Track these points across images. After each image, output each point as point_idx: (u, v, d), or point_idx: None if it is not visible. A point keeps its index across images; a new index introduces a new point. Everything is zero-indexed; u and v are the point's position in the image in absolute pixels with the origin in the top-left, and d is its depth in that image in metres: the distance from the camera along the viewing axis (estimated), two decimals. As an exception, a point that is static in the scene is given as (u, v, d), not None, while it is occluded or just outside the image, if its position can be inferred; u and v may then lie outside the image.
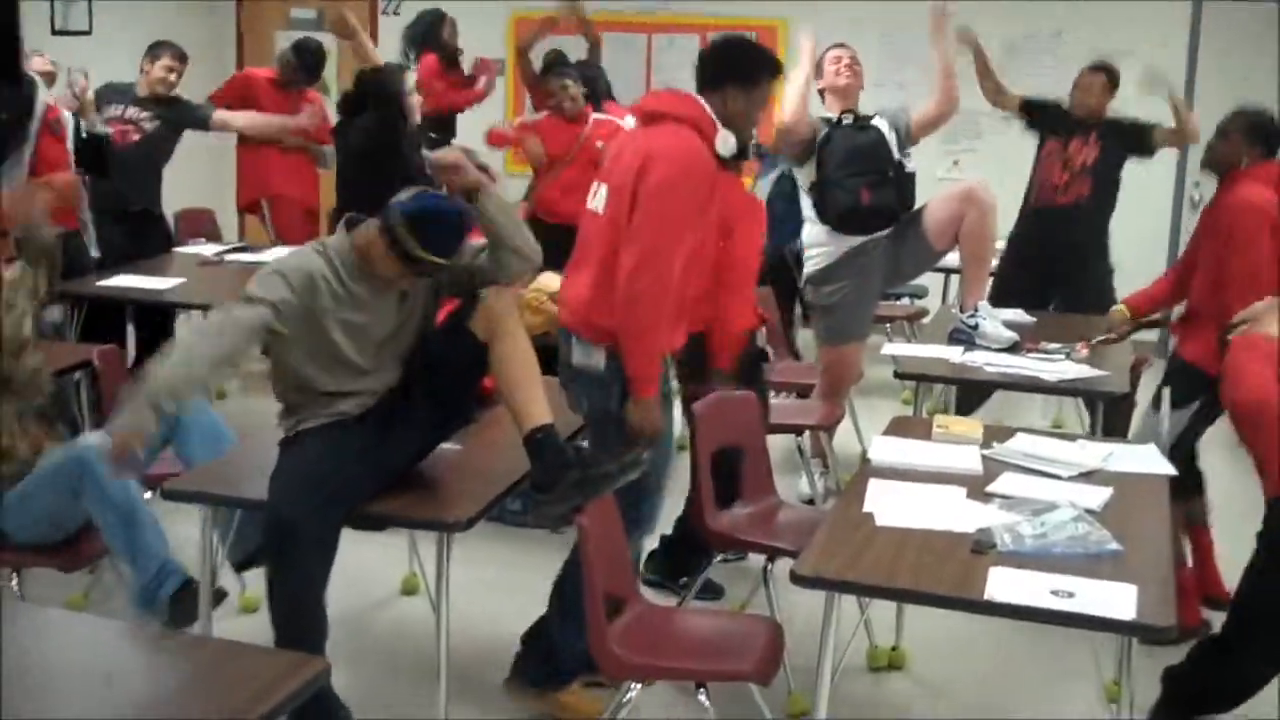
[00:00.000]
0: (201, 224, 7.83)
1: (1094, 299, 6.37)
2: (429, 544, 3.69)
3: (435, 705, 3.58)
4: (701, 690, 3.38)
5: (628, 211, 3.69)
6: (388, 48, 8.78)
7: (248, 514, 3.85)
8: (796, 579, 3.04)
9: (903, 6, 8.83)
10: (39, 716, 2.24)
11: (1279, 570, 3.52)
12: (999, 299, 5.65)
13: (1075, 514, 3.31)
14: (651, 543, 4.62)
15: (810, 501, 5.55)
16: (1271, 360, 3.49)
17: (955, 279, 6.85)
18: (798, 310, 7.07)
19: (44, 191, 4.29)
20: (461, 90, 8.19)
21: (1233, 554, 4.67)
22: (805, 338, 7.46)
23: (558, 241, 5.09)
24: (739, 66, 3.85)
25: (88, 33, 8.62)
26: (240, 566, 4.01)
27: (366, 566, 4.71)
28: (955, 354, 5.09)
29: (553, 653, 3.89)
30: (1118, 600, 2.89)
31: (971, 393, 5.68)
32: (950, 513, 3.38)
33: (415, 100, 6.54)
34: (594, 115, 6.96)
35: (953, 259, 5.66)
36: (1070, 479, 3.69)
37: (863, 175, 5.40)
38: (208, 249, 6.94)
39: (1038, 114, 6.63)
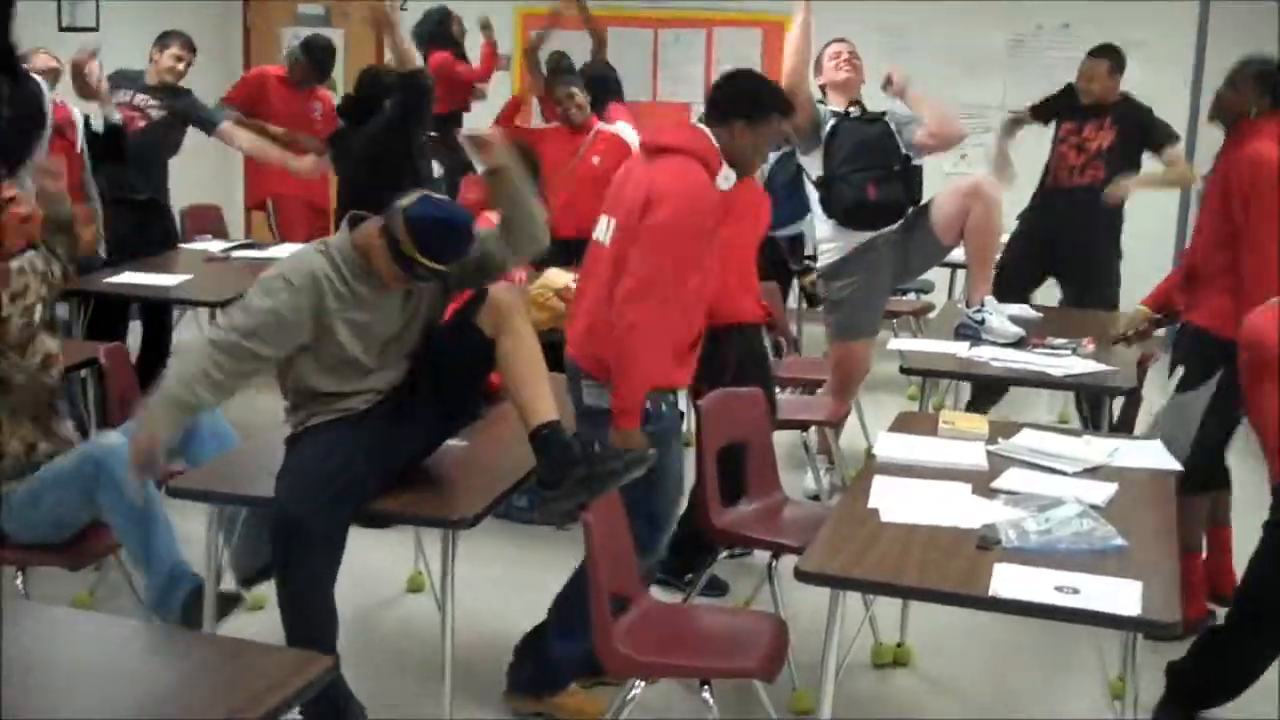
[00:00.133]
0: (208, 220, 7.84)
1: (1099, 283, 6.39)
2: (435, 541, 3.69)
3: (440, 703, 3.58)
4: (706, 687, 3.38)
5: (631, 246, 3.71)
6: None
7: (249, 527, 3.84)
8: (801, 575, 3.04)
9: (904, 6, 8.84)
10: (44, 715, 2.24)
11: None
12: (1002, 277, 5.62)
13: (1080, 510, 3.30)
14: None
15: (815, 497, 5.56)
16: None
17: (962, 274, 6.84)
18: (790, 303, 7.08)
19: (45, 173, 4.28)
20: (467, 77, 8.21)
21: (1245, 553, 4.69)
22: (809, 333, 7.48)
23: (558, 257, 5.13)
24: (748, 103, 3.83)
25: (95, 29, 8.62)
26: (245, 583, 3.98)
27: (372, 564, 4.71)
28: (961, 349, 5.08)
29: (548, 661, 3.89)
30: (1123, 596, 2.88)
31: (985, 392, 5.67)
32: (955, 509, 3.38)
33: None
34: (597, 125, 6.92)
35: (959, 254, 5.65)
36: (1075, 475, 3.69)
37: (869, 170, 5.39)
38: (214, 245, 6.95)
39: (1047, 108, 6.60)
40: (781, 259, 7.13)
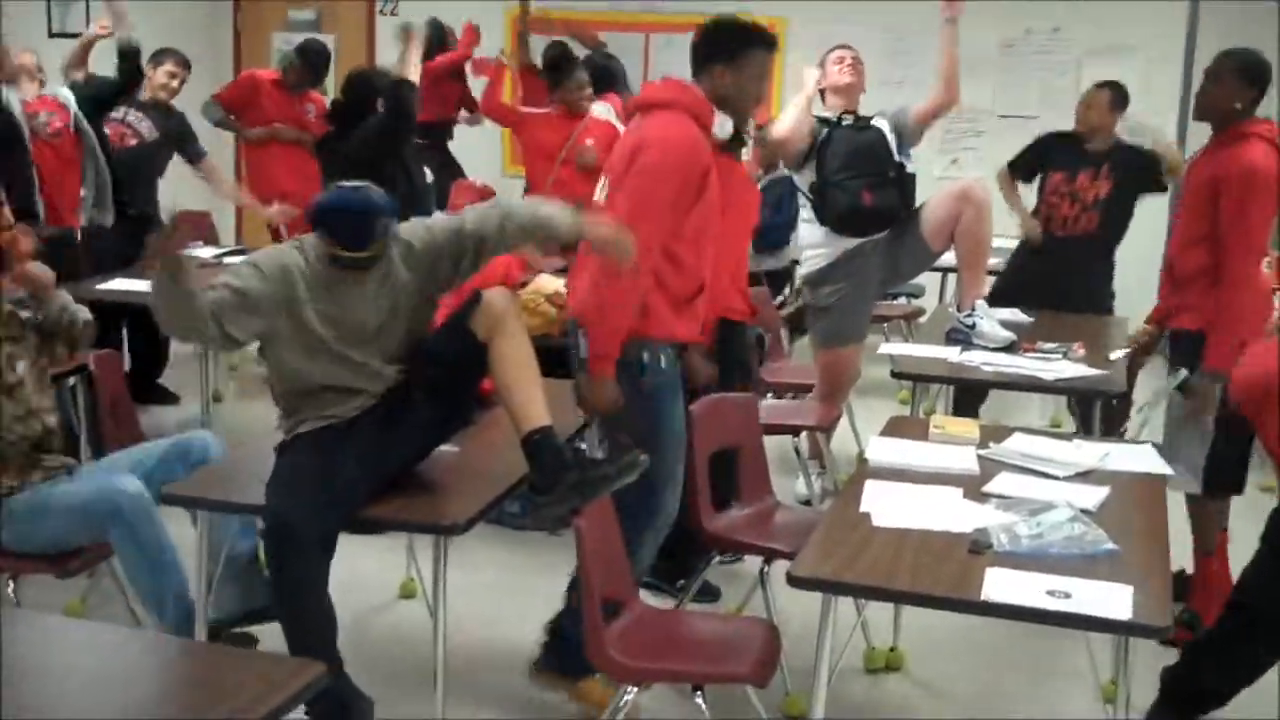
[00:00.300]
0: (199, 227, 7.82)
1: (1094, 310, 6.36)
2: (427, 547, 3.69)
3: (433, 708, 3.57)
4: (698, 693, 3.38)
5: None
6: (385, 48, 8.81)
7: (225, 573, 3.83)
8: (793, 581, 3.04)
9: (904, 6, 8.85)
10: (38, 722, 2.25)
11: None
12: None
13: (1072, 514, 3.30)
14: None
15: (807, 502, 5.56)
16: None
17: (952, 278, 6.85)
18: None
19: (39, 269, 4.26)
20: (461, 92, 8.25)
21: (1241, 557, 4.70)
22: (799, 340, 7.48)
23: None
24: (721, 44, 3.84)
25: (85, 35, 8.60)
26: (215, 628, 3.94)
27: (365, 570, 4.71)
28: (952, 354, 5.09)
29: (569, 644, 3.88)
30: (1114, 600, 2.89)
31: (967, 394, 5.66)
32: (947, 513, 3.38)
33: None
34: (592, 111, 6.96)
35: (949, 258, 5.65)
36: (1067, 479, 3.69)
37: (863, 176, 5.38)
38: (205, 252, 6.94)
39: (1032, 161, 6.33)
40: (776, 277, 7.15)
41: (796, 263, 6.23)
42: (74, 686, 2.38)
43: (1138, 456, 3.95)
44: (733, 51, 3.82)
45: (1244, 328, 4.39)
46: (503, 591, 4.86)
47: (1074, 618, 2.90)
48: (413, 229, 3.73)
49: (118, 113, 6.70)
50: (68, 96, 6.33)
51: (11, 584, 4.02)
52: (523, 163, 7.59)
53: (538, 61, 8.48)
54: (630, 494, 3.71)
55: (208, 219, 8.05)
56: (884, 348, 5.53)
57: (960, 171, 8.48)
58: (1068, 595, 2.91)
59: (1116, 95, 6.16)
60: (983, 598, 2.93)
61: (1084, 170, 6.07)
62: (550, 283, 5.40)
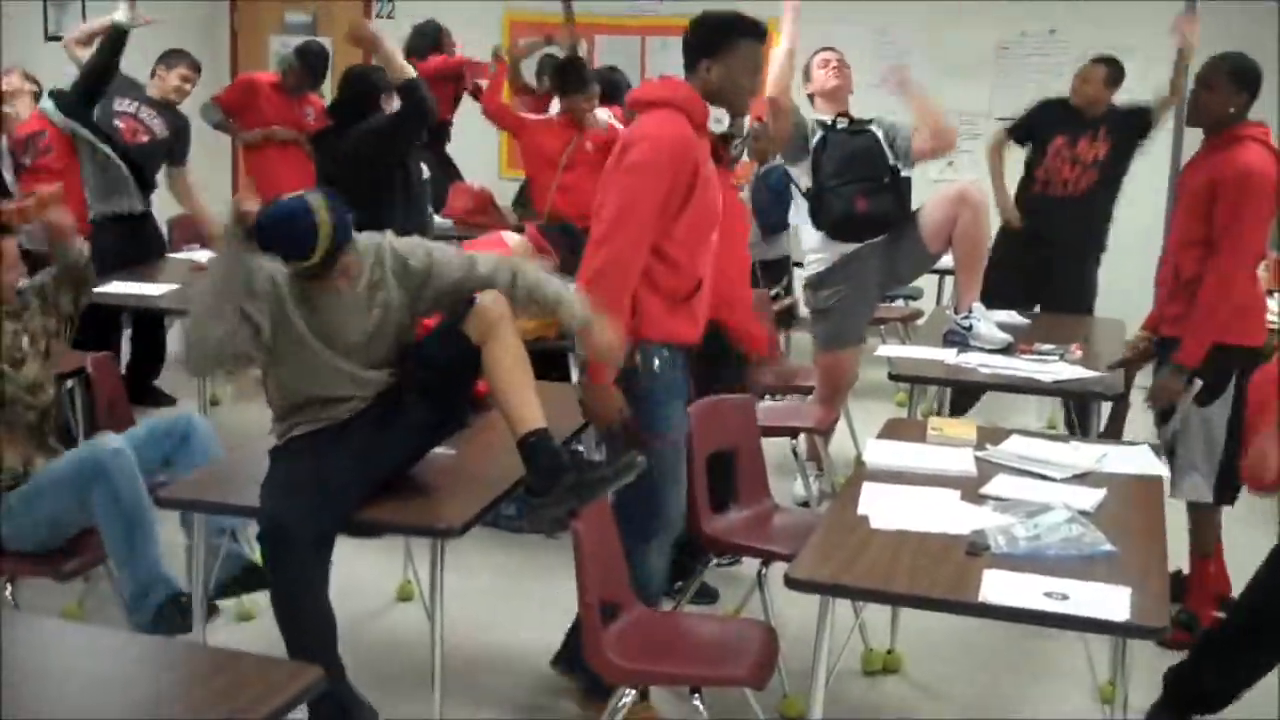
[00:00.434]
0: (197, 230, 7.82)
1: (1080, 291, 6.41)
2: (424, 550, 3.69)
3: (430, 710, 3.57)
4: (696, 695, 3.38)
5: None
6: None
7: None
8: (791, 583, 3.04)
9: (898, 7, 8.85)
10: (35, 724, 2.25)
11: None
12: (989, 284, 5.61)
13: (1069, 516, 3.31)
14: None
15: (805, 504, 5.56)
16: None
17: (950, 280, 6.86)
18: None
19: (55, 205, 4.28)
20: (457, 94, 8.24)
21: (1236, 560, 4.70)
22: (797, 341, 7.48)
23: (566, 242, 5.13)
24: (707, 38, 3.79)
25: (82, 39, 8.60)
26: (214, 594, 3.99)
27: (361, 573, 4.71)
28: (950, 356, 5.09)
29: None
30: (1111, 602, 2.89)
31: (963, 395, 5.67)
32: (945, 515, 3.38)
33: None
34: (595, 119, 6.96)
35: (947, 261, 5.65)
36: (1064, 481, 3.69)
37: (858, 182, 5.37)
38: (202, 255, 6.94)
39: (1028, 125, 6.58)
40: (756, 282, 7.15)
41: (798, 264, 6.22)
42: (72, 689, 2.38)
43: (1135, 458, 3.96)
44: (719, 44, 3.76)
45: (1220, 329, 4.43)
46: (500, 594, 4.86)
47: (1072, 619, 2.91)
48: (412, 248, 3.70)
49: (131, 107, 6.71)
50: (46, 108, 6.33)
51: (9, 587, 4.03)
52: (523, 167, 7.57)
53: (530, 81, 8.52)
54: (631, 502, 3.72)
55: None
56: (881, 350, 5.53)
57: (956, 174, 8.45)
58: (1065, 597, 2.91)
59: (1112, 70, 6.40)
60: (980, 599, 2.93)
61: (1084, 135, 6.37)
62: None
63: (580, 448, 4.50)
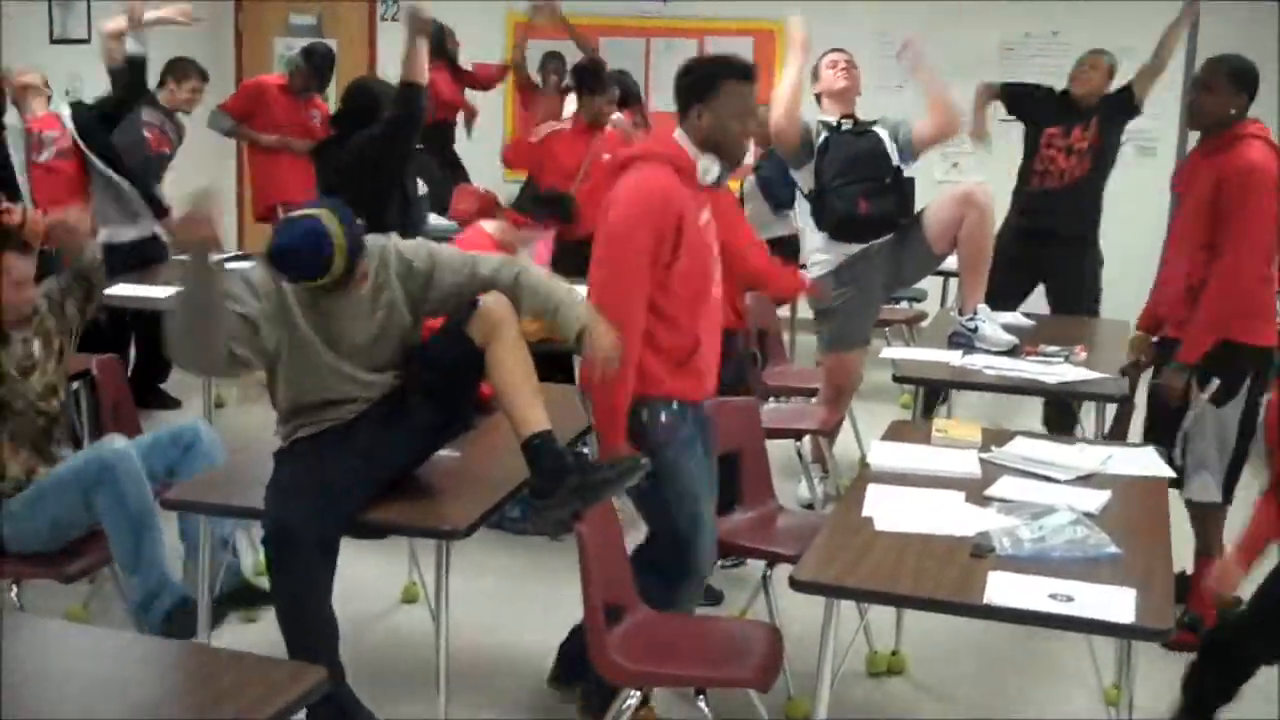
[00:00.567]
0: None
1: (1081, 291, 6.42)
2: (429, 552, 3.69)
3: (435, 712, 3.57)
4: (701, 697, 3.38)
5: None
6: (387, 53, 8.81)
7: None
8: (796, 585, 3.04)
9: (900, 8, 8.85)
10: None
11: None
12: (992, 282, 5.61)
13: (1074, 517, 3.31)
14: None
15: (810, 506, 5.56)
16: None
17: (954, 282, 6.85)
18: (782, 311, 7.09)
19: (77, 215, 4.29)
20: (462, 92, 8.26)
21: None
22: (802, 343, 7.49)
23: (544, 206, 5.12)
24: (693, 85, 3.71)
25: (86, 41, 8.62)
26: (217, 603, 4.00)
27: (367, 575, 4.71)
28: (955, 357, 5.09)
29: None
30: (1116, 604, 2.89)
31: (933, 392, 5.60)
32: (949, 517, 3.38)
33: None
34: (610, 123, 6.95)
35: (951, 262, 5.65)
36: (1069, 482, 3.69)
37: (860, 183, 5.36)
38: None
39: (1025, 102, 6.64)
40: None
41: (803, 266, 6.22)
42: (75, 691, 2.38)
43: (1139, 460, 3.95)
44: (705, 89, 3.68)
45: (1223, 325, 4.44)
46: (504, 596, 4.87)
47: (1076, 621, 2.91)
48: (415, 250, 3.71)
49: (157, 119, 6.82)
50: (63, 115, 6.36)
51: (14, 588, 4.03)
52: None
53: (535, 77, 8.52)
54: (660, 554, 3.74)
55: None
56: (886, 352, 5.53)
57: (961, 175, 8.48)
58: (1070, 599, 2.91)
59: (1111, 64, 6.48)
60: (985, 601, 2.93)
61: (1077, 124, 6.41)
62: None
63: (585, 450, 4.50)
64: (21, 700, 2.31)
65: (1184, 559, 4.44)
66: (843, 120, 5.47)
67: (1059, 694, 4.31)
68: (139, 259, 6.56)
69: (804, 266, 5.70)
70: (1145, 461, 3.94)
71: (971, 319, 5.26)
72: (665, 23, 9.46)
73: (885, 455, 3.89)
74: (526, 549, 5.24)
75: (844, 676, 4.07)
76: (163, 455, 4.12)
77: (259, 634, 4.21)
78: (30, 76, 6.44)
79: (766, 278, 4.98)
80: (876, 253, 5.46)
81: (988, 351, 5.12)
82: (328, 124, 7.28)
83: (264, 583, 3.96)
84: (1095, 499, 3.53)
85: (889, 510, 3.42)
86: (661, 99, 9.56)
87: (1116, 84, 6.51)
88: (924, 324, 7.29)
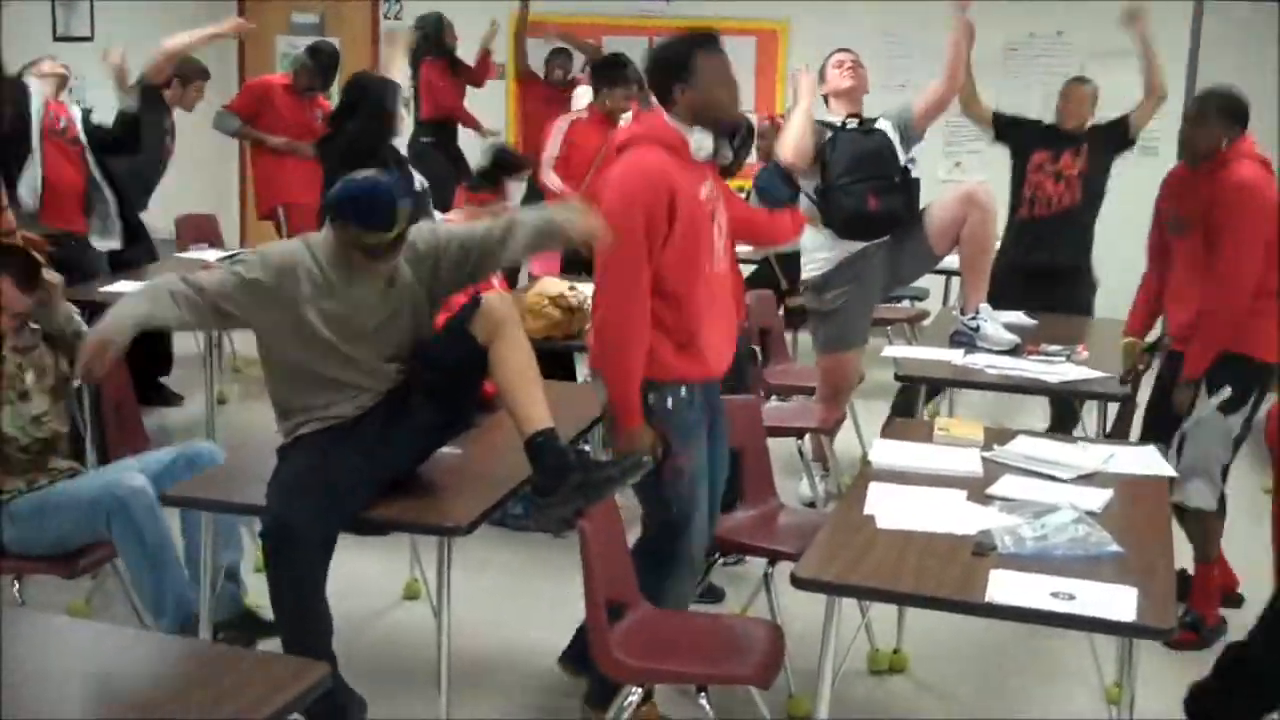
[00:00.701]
0: (204, 229, 7.85)
1: (1077, 306, 6.39)
2: (430, 549, 3.69)
3: (436, 709, 3.57)
4: (702, 694, 3.38)
5: None
6: (390, 51, 8.79)
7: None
8: (797, 582, 3.04)
9: (903, 8, 8.85)
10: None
11: None
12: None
13: (1076, 516, 3.30)
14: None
15: (811, 504, 5.56)
16: None
17: (956, 281, 6.85)
18: (780, 311, 7.09)
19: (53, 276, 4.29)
20: (462, 87, 8.28)
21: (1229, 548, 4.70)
22: (803, 341, 7.48)
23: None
24: (668, 66, 3.73)
25: (89, 38, 8.63)
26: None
27: (368, 571, 4.72)
28: (956, 356, 5.09)
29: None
30: (1118, 602, 2.89)
31: (911, 395, 5.57)
32: (951, 515, 3.38)
33: (402, 114, 6.44)
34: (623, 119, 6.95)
35: (952, 261, 5.64)
36: (1071, 481, 3.69)
37: (869, 181, 5.36)
38: (210, 254, 6.96)
39: (1012, 129, 6.52)
40: (775, 277, 7.14)
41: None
42: (77, 687, 2.39)
43: (1141, 458, 3.95)
44: (680, 67, 3.70)
45: (1224, 338, 4.47)
46: (506, 593, 4.87)
47: (1078, 619, 2.91)
48: (418, 230, 3.73)
49: (169, 124, 6.93)
50: (76, 115, 6.37)
51: (16, 584, 4.03)
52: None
53: (535, 68, 8.53)
54: (652, 538, 3.74)
55: (213, 221, 8.07)
56: (888, 350, 5.53)
57: (964, 174, 8.48)
58: (1072, 597, 2.90)
59: (1093, 90, 6.40)
60: (987, 600, 2.93)
61: (1065, 150, 6.31)
62: (554, 285, 5.40)
63: (587, 447, 4.50)
64: (22, 696, 2.31)
65: (1185, 558, 4.44)
66: (848, 119, 5.46)
67: (1061, 692, 4.31)
68: (116, 264, 6.58)
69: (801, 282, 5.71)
70: (1147, 460, 3.94)
71: (973, 318, 5.27)
72: (667, 22, 9.44)
73: (887, 453, 3.89)
74: (528, 546, 5.24)
75: (845, 674, 4.07)
76: (175, 480, 4.04)
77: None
78: (47, 65, 6.45)
79: (757, 223, 4.88)
80: (875, 252, 5.45)
81: (989, 350, 5.13)
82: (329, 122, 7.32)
83: (265, 581, 3.94)
84: (1097, 498, 3.53)
85: (891, 508, 3.41)
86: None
87: (1117, 84, 6.47)
88: (926, 323, 7.29)
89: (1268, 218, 4.45)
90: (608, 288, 3.62)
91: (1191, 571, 4.64)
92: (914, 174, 5.47)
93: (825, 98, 5.57)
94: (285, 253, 3.62)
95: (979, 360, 5.03)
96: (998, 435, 4.10)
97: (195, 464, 4.07)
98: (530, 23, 8.80)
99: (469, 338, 3.56)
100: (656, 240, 3.60)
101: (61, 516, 3.88)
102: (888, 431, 4.23)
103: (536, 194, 6.29)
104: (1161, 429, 4.62)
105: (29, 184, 5.87)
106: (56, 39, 8.45)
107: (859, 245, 5.44)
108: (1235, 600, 4.69)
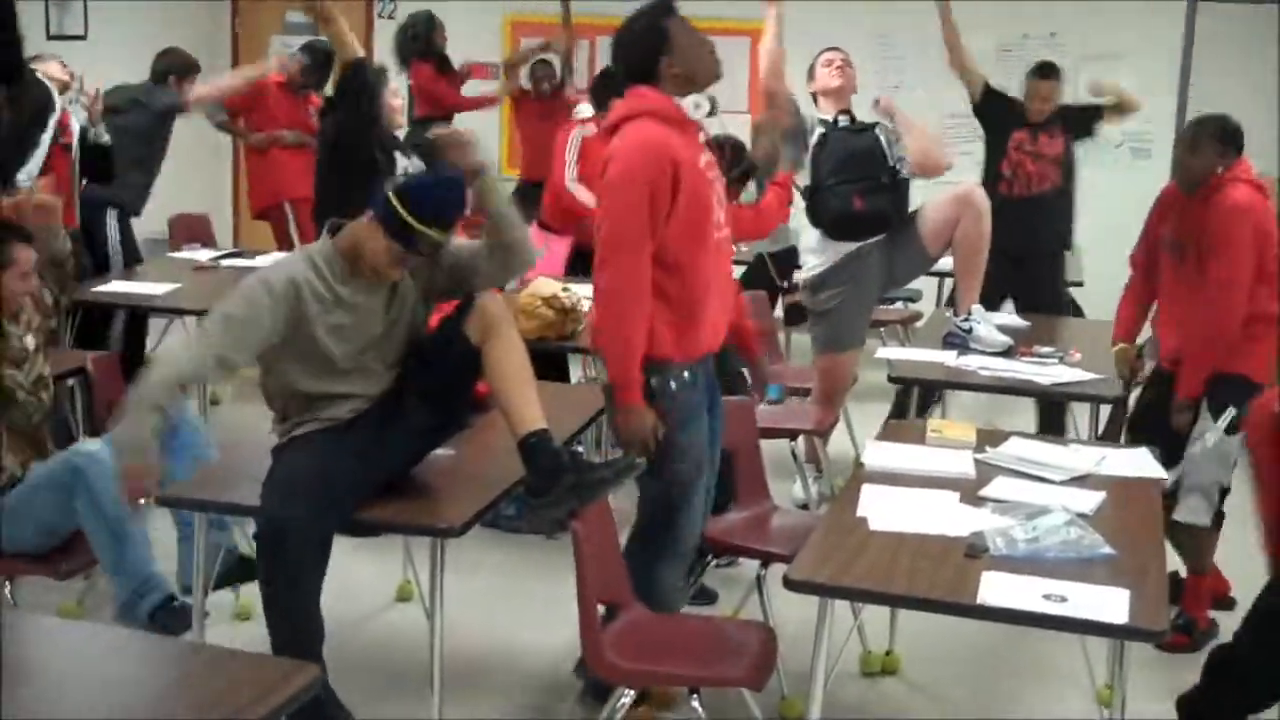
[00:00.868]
0: (197, 229, 7.84)
1: (1054, 290, 6.48)
2: (423, 550, 3.69)
3: (429, 711, 3.57)
4: (695, 696, 3.38)
5: None
6: (383, 51, 8.80)
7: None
8: (790, 584, 3.04)
9: (899, 8, 8.85)
10: (34, 722, 2.25)
11: None
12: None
13: (1068, 518, 3.31)
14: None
15: (804, 506, 5.56)
16: None
17: (950, 283, 6.85)
18: (777, 312, 7.09)
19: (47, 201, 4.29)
20: (464, 96, 8.27)
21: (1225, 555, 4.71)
22: (797, 342, 7.49)
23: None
24: (644, 45, 3.74)
25: (83, 38, 8.61)
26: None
27: (361, 573, 4.71)
28: (949, 358, 5.09)
29: None
30: (1110, 604, 2.89)
31: (904, 399, 5.58)
32: (943, 517, 3.38)
33: (398, 103, 6.41)
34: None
35: (946, 263, 5.65)
36: (1063, 483, 3.70)
37: (856, 181, 5.36)
38: (203, 254, 6.95)
39: (998, 106, 6.57)
40: (769, 275, 7.14)
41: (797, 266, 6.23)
42: (69, 688, 2.38)
43: (1133, 461, 3.96)
44: (659, 41, 3.71)
45: (1218, 358, 4.48)
46: (499, 594, 4.87)
47: (1070, 621, 2.91)
48: None
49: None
50: (76, 127, 6.36)
51: (8, 585, 4.03)
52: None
53: (526, 85, 8.53)
54: (646, 522, 3.74)
55: (206, 222, 8.06)
56: (881, 352, 5.53)
57: (957, 176, 8.47)
58: (1064, 599, 2.91)
59: (1058, 78, 6.48)
60: (979, 601, 2.93)
61: (1043, 131, 6.43)
62: (548, 285, 5.40)
63: (580, 448, 4.50)
64: (15, 697, 2.30)
65: (1177, 560, 4.45)
66: (839, 116, 5.46)
67: (1052, 694, 4.31)
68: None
69: (799, 267, 5.71)
70: (1139, 463, 3.95)
71: (966, 320, 5.27)
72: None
73: (880, 455, 3.89)
74: (521, 547, 5.24)
75: (838, 676, 4.08)
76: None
77: (253, 631, 4.20)
78: (56, 69, 6.44)
79: (742, 220, 4.86)
80: (870, 253, 5.44)
81: (982, 352, 5.13)
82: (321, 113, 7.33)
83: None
84: (1089, 500, 3.54)
85: (883, 510, 3.42)
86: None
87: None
88: (919, 324, 7.30)
89: (1259, 240, 4.47)
90: (609, 258, 3.60)
91: (1184, 574, 4.65)
92: (903, 174, 5.46)
93: (814, 96, 5.57)
94: (287, 279, 3.53)
95: (972, 362, 5.03)
96: (990, 437, 4.10)
97: (178, 433, 4.07)
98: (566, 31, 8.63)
99: (463, 338, 3.56)
100: (660, 214, 3.59)
101: (37, 500, 3.89)
102: (880, 433, 4.23)
103: (530, 203, 6.25)
104: (1148, 427, 4.62)
105: (28, 174, 5.86)
106: (50, 38, 8.42)
107: (853, 246, 5.43)
108: (1227, 603, 4.69)
